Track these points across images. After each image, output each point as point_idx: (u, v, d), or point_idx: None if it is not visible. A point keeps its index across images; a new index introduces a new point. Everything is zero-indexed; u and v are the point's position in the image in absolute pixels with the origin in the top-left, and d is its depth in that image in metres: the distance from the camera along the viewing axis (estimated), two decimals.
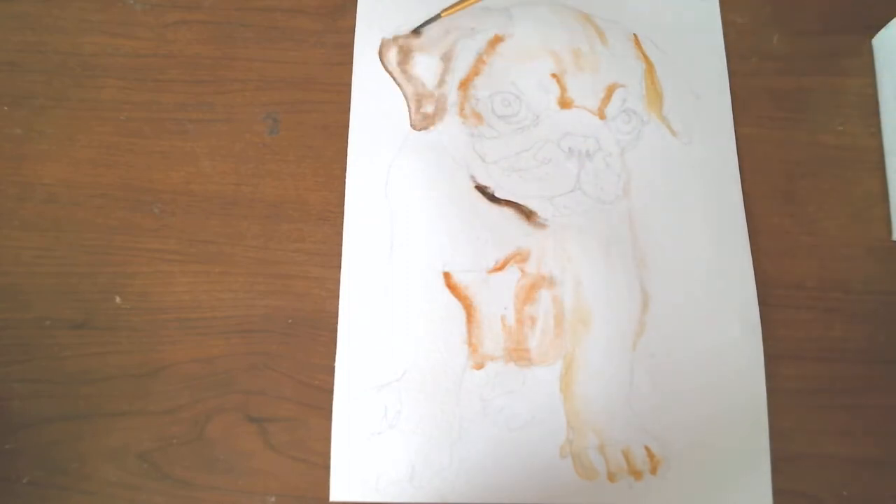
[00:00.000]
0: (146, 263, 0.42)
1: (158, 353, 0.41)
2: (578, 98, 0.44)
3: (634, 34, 0.46)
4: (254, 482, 0.39)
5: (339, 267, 0.42)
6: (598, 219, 0.43)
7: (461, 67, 0.45)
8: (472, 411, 0.40)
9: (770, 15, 0.48)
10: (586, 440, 0.40)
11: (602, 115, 0.44)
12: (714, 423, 0.40)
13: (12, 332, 0.41)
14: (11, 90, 0.45)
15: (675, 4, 0.48)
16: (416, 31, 0.45)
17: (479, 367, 0.40)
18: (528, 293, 0.42)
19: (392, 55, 0.45)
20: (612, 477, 0.39)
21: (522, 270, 0.42)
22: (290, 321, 0.42)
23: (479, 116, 0.44)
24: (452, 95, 0.44)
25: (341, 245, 0.42)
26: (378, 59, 0.45)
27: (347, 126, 0.44)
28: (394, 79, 0.45)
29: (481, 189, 0.43)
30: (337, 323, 0.41)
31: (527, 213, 0.43)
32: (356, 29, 0.46)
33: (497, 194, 0.43)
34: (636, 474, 0.39)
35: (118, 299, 0.42)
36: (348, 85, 0.45)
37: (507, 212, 0.43)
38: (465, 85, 0.44)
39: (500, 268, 0.42)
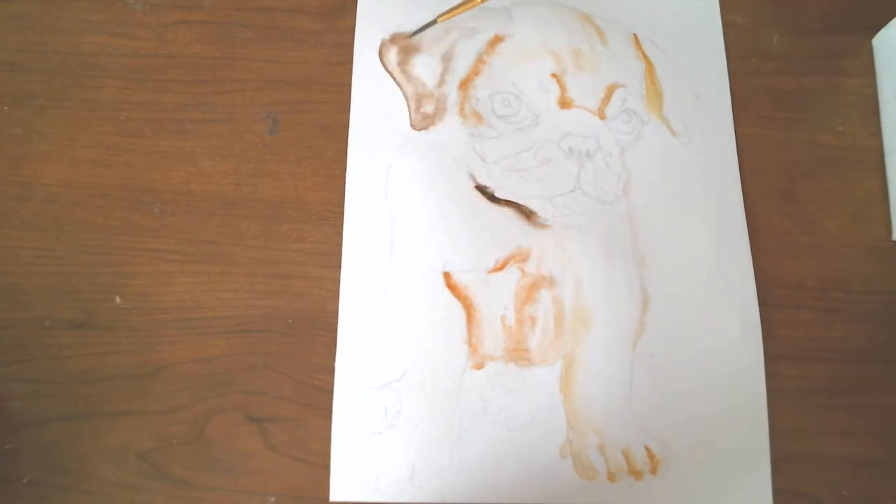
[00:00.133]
0: (146, 263, 0.42)
1: (158, 353, 0.41)
2: (578, 98, 0.44)
3: (634, 34, 0.46)
4: (254, 482, 0.39)
5: (339, 267, 0.42)
6: (598, 219, 0.43)
7: (461, 67, 0.45)
8: (472, 411, 0.40)
9: (770, 15, 0.48)
10: (586, 440, 0.40)
11: (602, 115, 0.44)
12: (714, 423, 0.40)
13: (12, 332, 0.41)
14: (11, 90, 0.45)
15: (675, 4, 0.48)
16: (413, 35, 0.45)
17: (479, 367, 0.40)
18: (528, 293, 0.42)
19: (392, 55, 0.45)
20: (612, 477, 0.39)
21: (522, 270, 0.42)
22: (290, 321, 0.42)
23: (479, 116, 0.44)
24: (452, 95, 0.44)
25: (341, 245, 0.42)
26: (378, 59, 0.45)
27: (347, 126, 0.44)
28: (394, 79, 0.45)
29: (481, 189, 0.43)
30: (337, 323, 0.41)
31: (527, 213, 0.43)
32: (356, 29, 0.46)
33: (497, 194, 0.43)
34: (636, 474, 0.39)
35: (118, 299, 0.42)
36: (348, 85, 0.45)
37: (507, 212, 0.43)
38: (465, 85, 0.44)
39: (500, 268, 0.42)
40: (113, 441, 0.40)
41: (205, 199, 0.44)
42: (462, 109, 0.44)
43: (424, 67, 0.45)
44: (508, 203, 0.43)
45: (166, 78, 0.46)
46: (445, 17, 0.44)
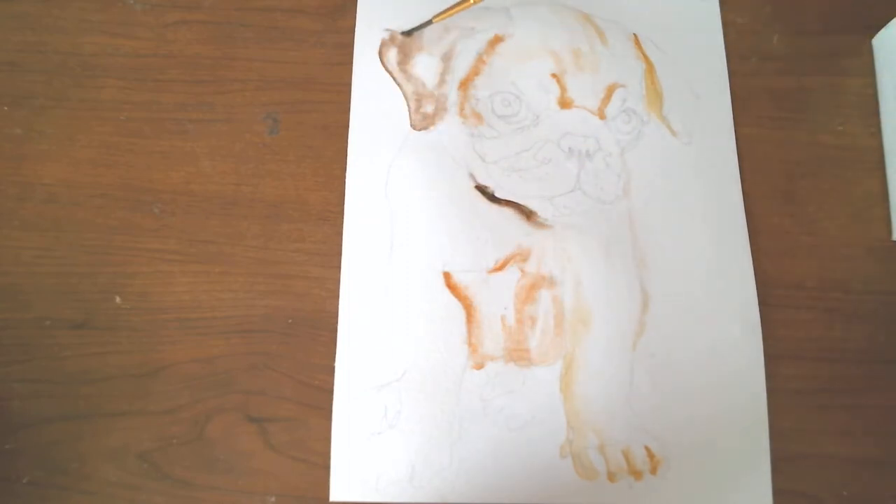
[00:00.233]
0: (146, 263, 0.42)
1: (158, 353, 0.41)
2: (578, 98, 0.44)
3: (634, 34, 0.46)
4: (254, 482, 0.39)
5: (339, 267, 0.42)
6: (598, 219, 0.43)
7: (461, 67, 0.45)
8: (472, 411, 0.40)
9: (770, 15, 0.48)
10: (586, 440, 0.40)
11: (602, 115, 0.44)
12: (714, 423, 0.40)
13: (12, 332, 0.41)
14: (11, 90, 0.45)
15: (675, 4, 0.48)
16: (408, 34, 0.45)
17: (479, 367, 0.40)
18: (528, 293, 0.42)
19: (392, 55, 0.45)
20: (612, 477, 0.39)
21: (522, 270, 0.42)
22: (290, 321, 0.42)
23: (479, 116, 0.44)
24: (452, 95, 0.44)
25: (341, 245, 0.42)
26: (378, 59, 0.45)
27: (347, 126, 0.44)
28: (394, 79, 0.45)
29: (481, 189, 0.43)
30: (337, 323, 0.41)
31: (527, 213, 0.43)
32: (356, 29, 0.46)
33: (497, 194, 0.43)
34: (636, 474, 0.39)
35: (118, 299, 0.42)
36: (348, 85, 0.45)
37: (507, 212, 0.43)
38: (465, 85, 0.44)
39: (500, 268, 0.42)
40: (113, 441, 0.40)
41: (205, 199, 0.44)
42: (462, 109, 0.44)
43: (424, 67, 0.45)
44: (508, 203, 0.43)
45: (166, 78, 0.46)
46: (441, 17, 0.44)
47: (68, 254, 0.42)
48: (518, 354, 0.41)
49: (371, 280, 0.42)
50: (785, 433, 0.40)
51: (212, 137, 0.45)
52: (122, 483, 0.39)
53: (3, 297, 0.42)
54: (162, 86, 0.45)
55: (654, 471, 0.39)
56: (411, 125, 0.44)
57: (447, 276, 0.42)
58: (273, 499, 0.39)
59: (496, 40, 0.45)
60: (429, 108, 0.44)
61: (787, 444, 0.40)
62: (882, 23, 0.46)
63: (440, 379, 0.40)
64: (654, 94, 0.45)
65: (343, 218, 0.43)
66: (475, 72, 0.44)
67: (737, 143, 0.45)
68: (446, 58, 0.45)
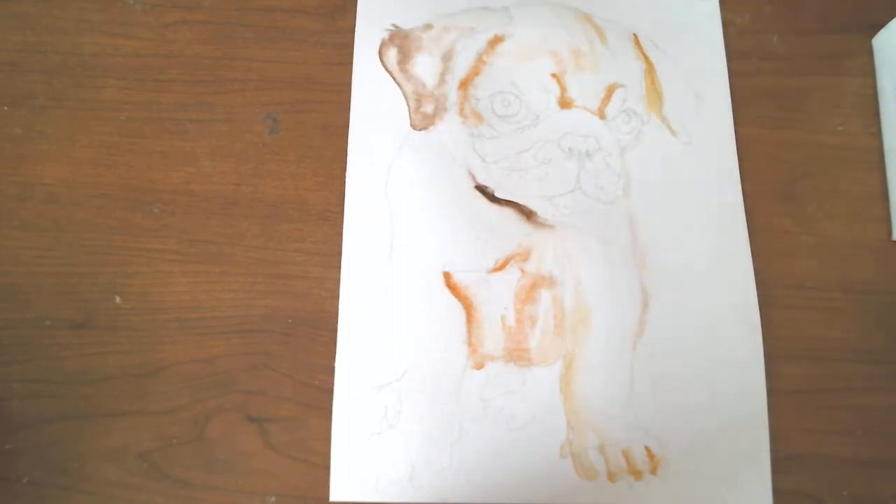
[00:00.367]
0: (146, 263, 0.42)
1: (158, 353, 0.41)
2: (578, 98, 0.44)
3: (634, 34, 0.46)
4: (254, 482, 0.39)
5: (339, 267, 0.42)
6: (598, 219, 0.43)
7: (461, 67, 0.45)
8: (472, 411, 0.40)
9: (770, 15, 0.48)
10: (586, 440, 0.40)
11: (602, 115, 0.44)
12: (714, 422, 0.40)
13: (12, 332, 0.41)
14: (11, 90, 0.45)
15: (675, 4, 0.48)
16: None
17: (479, 367, 0.40)
18: (528, 293, 0.42)
19: (392, 55, 0.45)
20: (612, 477, 0.39)
21: (522, 270, 0.42)
22: (290, 321, 0.42)
23: (479, 116, 0.44)
24: (452, 95, 0.44)
25: (341, 245, 0.42)
26: (378, 59, 0.45)
27: (347, 126, 0.44)
28: (394, 78, 0.45)
29: (481, 189, 0.43)
30: (337, 323, 0.41)
31: (527, 213, 0.43)
32: (356, 29, 0.46)
33: (497, 194, 0.43)
34: (636, 474, 0.39)
35: (118, 299, 0.42)
36: (348, 85, 0.45)
37: (507, 212, 0.43)
38: (465, 85, 0.44)
39: (500, 268, 0.42)
40: (113, 441, 0.40)
41: (205, 199, 0.44)
42: (462, 109, 0.44)
43: (424, 67, 0.45)
44: (508, 203, 0.43)
45: (166, 78, 0.46)
46: None
47: (68, 254, 0.42)
48: (518, 354, 0.41)
49: (371, 280, 0.42)
50: (785, 433, 0.40)
51: (212, 137, 0.45)
52: (122, 483, 0.39)
53: (3, 297, 0.42)
54: (162, 86, 0.45)
55: (654, 471, 0.39)
56: (411, 125, 0.44)
57: (447, 276, 0.42)
58: (273, 499, 0.39)
59: (496, 40, 0.45)
60: (429, 107, 0.44)
61: (787, 444, 0.40)
62: (882, 23, 0.46)
63: (440, 379, 0.40)
64: (654, 94, 0.45)
65: (343, 218, 0.43)
66: (475, 72, 0.44)
67: (737, 143, 0.45)
68: (446, 58, 0.45)
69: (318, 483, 0.39)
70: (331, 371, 0.40)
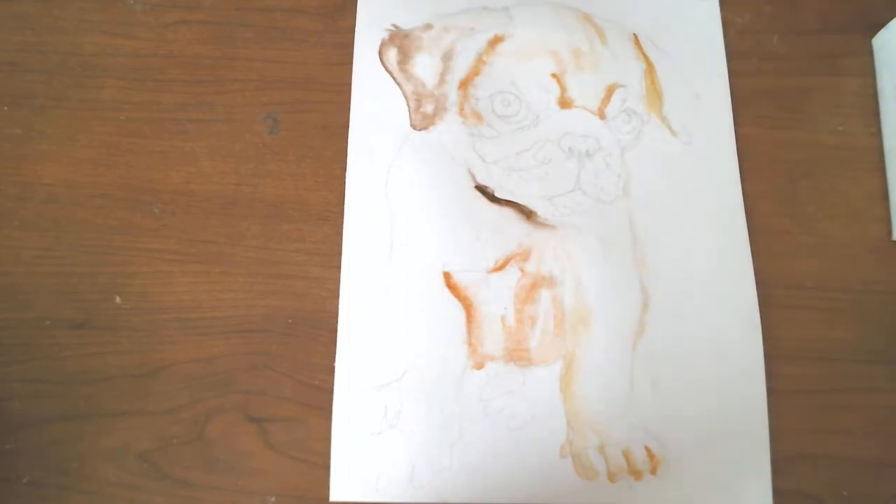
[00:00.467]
0: (146, 263, 0.42)
1: (158, 353, 0.41)
2: (578, 98, 0.44)
3: (634, 34, 0.46)
4: (254, 482, 0.39)
5: (339, 267, 0.42)
6: (598, 219, 0.43)
7: (461, 67, 0.45)
8: (472, 411, 0.40)
9: (770, 15, 0.48)
10: (586, 440, 0.40)
11: (602, 115, 0.44)
12: (714, 423, 0.40)
13: (12, 332, 0.41)
14: (11, 90, 0.45)
15: (675, 4, 0.48)
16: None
17: (479, 367, 0.40)
18: (528, 293, 0.42)
19: (392, 55, 0.45)
20: (612, 477, 0.39)
21: (522, 270, 0.42)
22: (290, 321, 0.42)
23: (478, 116, 0.44)
24: (452, 95, 0.44)
25: (341, 245, 0.42)
26: (378, 59, 0.45)
27: (347, 126, 0.44)
28: (394, 79, 0.45)
29: (481, 189, 0.43)
30: (337, 323, 0.41)
31: (527, 213, 0.43)
32: (356, 29, 0.46)
33: (497, 194, 0.43)
34: (636, 474, 0.39)
35: (118, 299, 0.42)
36: (348, 85, 0.45)
37: (507, 212, 0.43)
38: (465, 85, 0.44)
39: (500, 268, 0.42)
40: (113, 441, 0.40)
41: (205, 199, 0.44)
42: (462, 109, 0.44)
43: (424, 67, 0.45)
44: (508, 203, 0.43)
45: (166, 78, 0.46)
46: None
47: (68, 254, 0.42)
48: (518, 354, 0.41)
49: (371, 280, 0.42)
50: (785, 433, 0.40)
51: (212, 137, 0.45)
52: (122, 483, 0.39)
53: (3, 297, 0.42)
54: (162, 86, 0.45)
55: (654, 471, 0.39)
56: (411, 125, 0.44)
57: (447, 276, 0.42)
58: (273, 499, 0.39)
59: (496, 40, 0.45)
60: (429, 107, 0.44)
61: (787, 444, 0.40)
62: (882, 23, 0.46)
63: (440, 379, 0.40)
64: (654, 94, 0.45)
65: (343, 218, 0.43)
66: (475, 72, 0.44)
67: (737, 143, 0.45)
68: (446, 58, 0.45)
69: (318, 483, 0.39)
70: (331, 371, 0.40)
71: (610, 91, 0.44)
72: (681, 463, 0.39)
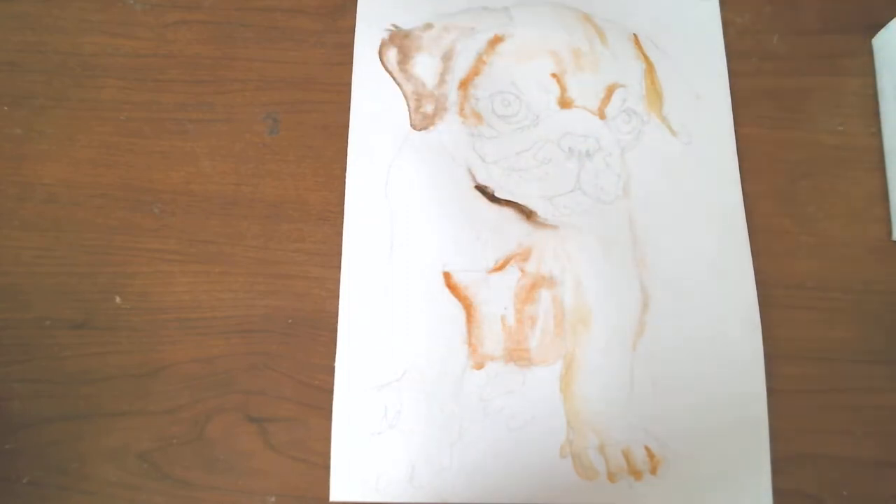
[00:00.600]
0: (146, 263, 0.42)
1: (158, 353, 0.41)
2: (578, 98, 0.44)
3: (634, 34, 0.46)
4: (254, 482, 0.39)
5: (339, 267, 0.42)
6: (598, 219, 0.43)
7: (461, 67, 0.45)
8: (472, 411, 0.40)
9: (770, 15, 0.48)
10: (586, 440, 0.40)
11: (602, 115, 0.44)
12: (714, 423, 0.40)
13: (12, 332, 0.41)
14: (11, 90, 0.45)
15: (675, 4, 0.48)
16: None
17: (479, 367, 0.40)
18: (528, 293, 0.42)
19: (392, 55, 0.45)
20: (612, 477, 0.39)
21: (522, 270, 0.42)
22: (290, 321, 0.42)
23: (478, 116, 0.44)
24: (452, 95, 0.44)
25: (341, 245, 0.42)
26: (378, 59, 0.45)
27: (347, 126, 0.44)
28: (394, 78, 0.45)
29: (481, 189, 0.43)
30: (337, 323, 0.41)
31: (527, 213, 0.43)
32: (356, 29, 0.46)
33: (497, 194, 0.43)
34: (636, 474, 0.39)
35: (118, 299, 0.42)
36: (348, 85, 0.45)
37: (507, 212, 0.43)
38: (465, 85, 0.44)
39: (500, 268, 0.42)
40: (113, 441, 0.40)
41: (205, 199, 0.44)
42: (462, 109, 0.44)
43: (424, 67, 0.45)
44: (508, 203, 0.43)
45: (166, 78, 0.46)
46: None
47: (68, 254, 0.42)
48: (518, 354, 0.41)
49: (371, 280, 0.42)
50: (785, 433, 0.40)
51: (212, 137, 0.45)
52: (122, 483, 0.39)
53: (3, 297, 0.42)
54: (162, 86, 0.45)
55: (654, 471, 0.39)
56: (411, 125, 0.44)
57: (447, 276, 0.42)
58: (273, 499, 0.39)
59: (496, 40, 0.45)
60: (429, 107, 0.44)
61: (787, 444, 0.40)
62: (882, 23, 0.46)
63: (440, 379, 0.40)
64: (654, 94, 0.45)
65: (343, 218, 0.43)
66: (475, 72, 0.44)
67: (737, 143, 0.45)
68: (446, 58, 0.45)
69: (318, 483, 0.39)
70: (331, 371, 0.40)
71: (610, 91, 0.44)
72: (681, 463, 0.39)
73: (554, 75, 0.44)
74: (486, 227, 0.42)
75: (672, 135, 0.45)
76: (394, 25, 0.46)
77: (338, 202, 0.43)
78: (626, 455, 0.39)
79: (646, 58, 0.46)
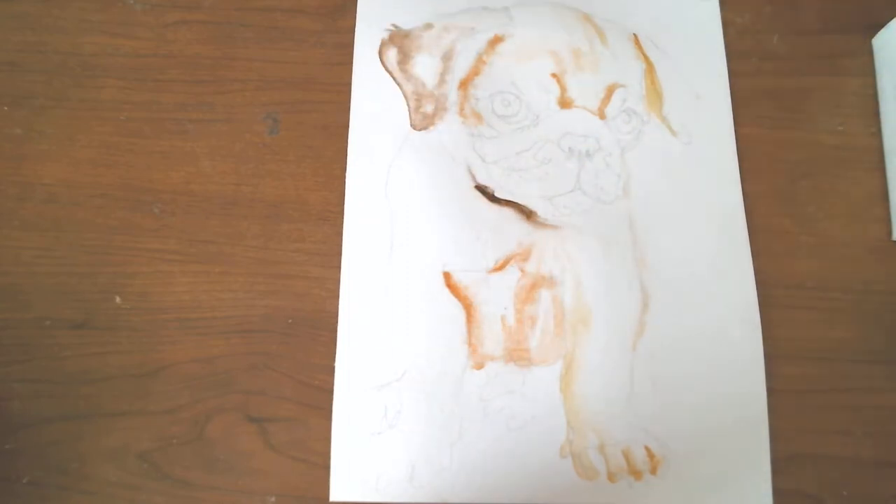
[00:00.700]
0: (146, 263, 0.42)
1: (158, 353, 0.41)
2: (578, 98, 0.44)
3: (634, 34, 0.46)
4: (254, 482, 0.39)
5: (339, 267, 0.42)
6: (598, 219, 0.43)
7: (461, 67, 0.45)
8: (472, 411, 0.40)
9: (770, 15, 0.48)
10: (586, 440, 0.40)
11: (602, 115, 0.44)
12: (714, 423, 0.40)
13: (12, 332, 0.41)
14: (11, 90, 0.45)
15: (675, 4, 0.48)
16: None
17: (479, 367, 0.40)
18: (528, 293, 0.42)
19: (392, 55, 0.45)
20: (612, 477, 0.39)
21: (522, 270, 0.42)
22: (290, 321, 0.42)
23: (478, 116, 0.44)
24: (452, 95, 0.44)
25: (341, 245, 0.42)
26: (378, 59, 0.45)
27: (347, 126, 0.44)
28: (394, 79, 0.45)
29: (481, 189, 0.43)
30: (337, 323, 0.41)
31: (527, 213, 0.43)
32: (356, 29, 0.46)
33: (497, 194, 0.43)
34: (636, 474, 0.39)
35: (118, 299, 0.42)
36: (348, 85, 0.45)
37: (507, 211, 0.43)
38: (465, 85, 0.44)
39: (499, 268, 0.42)
40: (113, 441, 0.40)
41: (205, 199, 0.44)
42: (462, 109, 0.44)
43: (424, 67, 0.45)
44: (508, 203, 0.43)
45: (166, 78, 0.46)
46: None
47: (68, 254, 0.42)
48: (518, 354, 0.41)
49: (371, 280, 0.42)
50: (785, 433, 0.40)
51: (212, 137, 0.45)
52: (122, 483, 0.39)
53: (3, 297, 0.42)
54: (162, 86, 0.45)
55: (654, 471, 0.39)
56: (411, 125, 0.44)
57: (447, 276, 0.42)
58: (273, 499, 0.39)
59: (496, 40, 0.45)
60: (429, 107, 0.44)
61: (787, 444, 0.40)
62: (882, 23, 0.46)
63: (440, 379, 0.40)
64: (654, 94, 0.45)
65: (343, 218, 0.43)
66: (475, 72, 0.44)
67: (737, 143, 0.45)
68: (446, 58, 0.45)
69: (318, 483, 0.39)
70: (331, 371, 0.40)
71: (610, 91, 0.44)
72: (681, 463, 0.39)
73: (554, 75, 0.44)
74: (486, 227, 0.42)
75: (672, 135, 0.45)
76: (394, 25, 0.46)
77: (338, 202, 0.43)
78: (626, 455, 0.39)
79: (646, 58, 0.46)
